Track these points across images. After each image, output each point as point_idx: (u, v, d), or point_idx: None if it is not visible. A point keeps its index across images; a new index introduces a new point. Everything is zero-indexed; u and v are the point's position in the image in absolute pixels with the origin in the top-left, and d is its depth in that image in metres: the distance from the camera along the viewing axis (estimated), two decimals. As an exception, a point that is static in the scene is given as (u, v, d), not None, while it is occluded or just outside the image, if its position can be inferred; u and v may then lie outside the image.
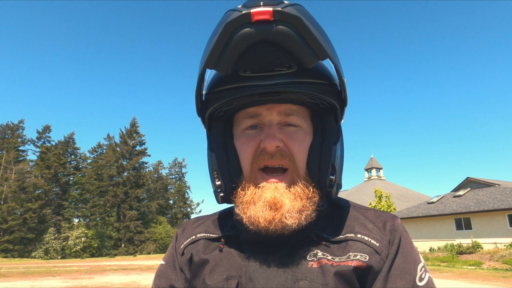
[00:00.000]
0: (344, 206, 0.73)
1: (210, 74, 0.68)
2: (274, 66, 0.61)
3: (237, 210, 0.66)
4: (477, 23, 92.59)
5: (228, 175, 0.68)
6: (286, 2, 0.55)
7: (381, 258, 0.63)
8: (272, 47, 0.57)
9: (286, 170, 0.64)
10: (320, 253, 0.63)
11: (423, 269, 0.64)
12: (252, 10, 0.53)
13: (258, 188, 0.63)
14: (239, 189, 0.66)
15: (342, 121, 0.71)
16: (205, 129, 0.73)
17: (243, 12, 0.53)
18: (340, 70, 0.63)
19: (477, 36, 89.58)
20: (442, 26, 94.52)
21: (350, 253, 0.63)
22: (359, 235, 0.65)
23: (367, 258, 0.62)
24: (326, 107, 0.68)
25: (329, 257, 0.63)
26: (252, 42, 0.55)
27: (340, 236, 0.66)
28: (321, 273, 0.61)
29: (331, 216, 0.70)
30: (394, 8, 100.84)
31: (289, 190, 0.62)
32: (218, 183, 0.68)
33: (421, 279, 0.62)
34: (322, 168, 0.65)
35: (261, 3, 0.53)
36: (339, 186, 0.68)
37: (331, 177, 0.65)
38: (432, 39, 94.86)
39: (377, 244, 0.64)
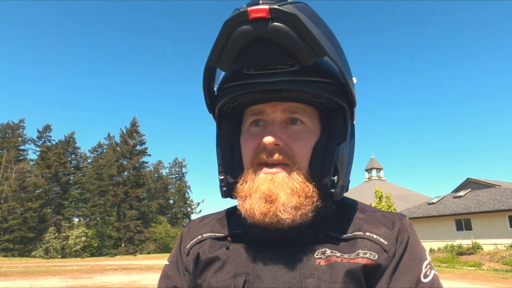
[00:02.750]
0: (351, 206, 0.73)
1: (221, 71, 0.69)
2: (275, 63, 0.60)
3: (238, 206, 0.67)
4: (481, 21, 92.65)
5: (231, 170, 0.69)
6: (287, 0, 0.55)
7: (389, 256, 0.62)
8: (271, 45, 0.57)
9: (285, 165, 0.64)
10: (328, 251, 0.63)
11: (428, 266, 0.63)
12: (249, 8, 0.53)
13: (255, 181, 0.64)
14: (239, 184, 0.67)
15: (354, 121, 0.70)
16: (216, 125, 0.75)
17: (241, 10, 0.54)
18: (342, 69, 0.61)
19: (478, 35, 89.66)
20: (445, 24, 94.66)
21: (359, 251, 0.63)
22: (367, 233, 0.65)
23: (376, 256, 0.62)
24: (333, 106, 0.67)
25: (338, 254, 0.63)
26: (249, 39, 0.56)
27: (349, 234, 0.65)
28: (329, 271, 0.61)
29: (339, 216, 0.70)
30: (394, 6, 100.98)
31: (286, 184, 0.62)
32: (221, 177, 0.70)
33: (425, 276, 0.62)
34: (324, 168, 0.64)
35: (260, 1, 0.54)
36: (344, 188, 0.67)
37: (333, 177, 0.64)
38: (434, 37, 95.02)
39: (386, 243, 0.63)
